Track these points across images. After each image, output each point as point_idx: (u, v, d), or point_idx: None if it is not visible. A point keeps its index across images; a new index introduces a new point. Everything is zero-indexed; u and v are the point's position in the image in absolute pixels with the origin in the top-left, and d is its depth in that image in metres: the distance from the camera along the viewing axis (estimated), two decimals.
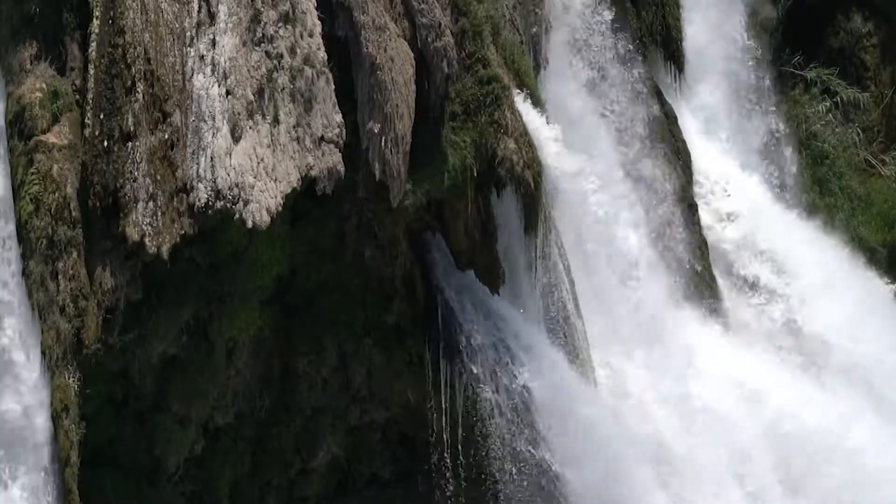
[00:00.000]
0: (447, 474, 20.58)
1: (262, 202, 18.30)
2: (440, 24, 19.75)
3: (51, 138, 18.37)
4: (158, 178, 18.14)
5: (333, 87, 19.10)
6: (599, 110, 23.72)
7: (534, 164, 20.41)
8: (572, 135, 21.65)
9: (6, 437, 18.16)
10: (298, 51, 18.91)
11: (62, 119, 18.50)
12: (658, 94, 25.30)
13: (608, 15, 24.17)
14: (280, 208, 18.48)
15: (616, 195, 23.09)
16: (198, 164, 18.20)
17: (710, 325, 24.71)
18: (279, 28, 18.86)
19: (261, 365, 20.19)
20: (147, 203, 18.03)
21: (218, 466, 19.84)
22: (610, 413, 21.44)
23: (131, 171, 18.08)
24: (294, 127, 18.80)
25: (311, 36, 19.05)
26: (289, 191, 18.59)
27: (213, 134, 18.27)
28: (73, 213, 18.24)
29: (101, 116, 18.21)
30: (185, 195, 18.17)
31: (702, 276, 25.05)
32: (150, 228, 17.99)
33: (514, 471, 20.48)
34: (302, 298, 20.20)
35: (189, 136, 18.30)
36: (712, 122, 26.97)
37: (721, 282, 25.66)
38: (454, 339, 20.50)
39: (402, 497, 21.17)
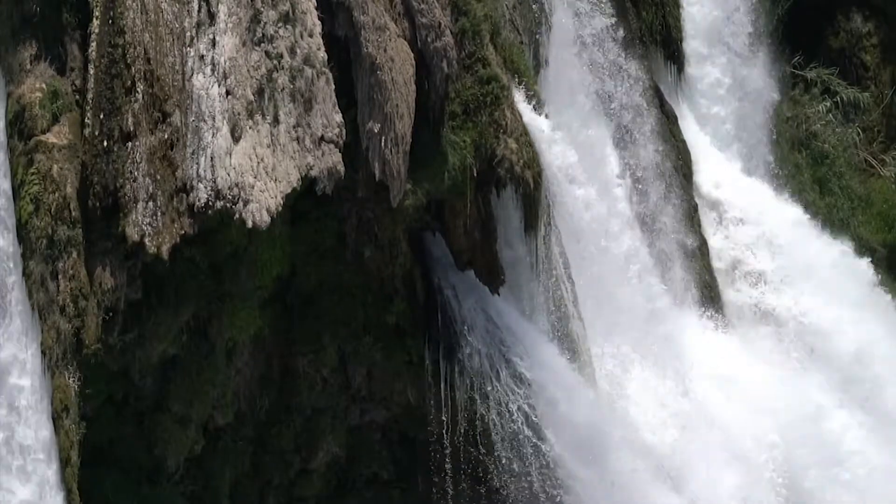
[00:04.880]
0: (447, 474, 20.59)
1: (262, 202, 18.29)
2: (440, 24, 19.75)
3: (51, 138, 18.36)
4: (158, 178, 18.13)
5: (333, 87, 19.10)
6: (599, 110, 23.73)
7: (534, 163, 20.42)
8: (572, 134, 21.66)
9: None
10: (298, 51, 18.91)
11: (62, 119, 18.48)
12: (658, 95, 25.31)
13: (608, 15, 24.17)
14: (280, 208, 18.47)
15: (615, 195, 23.11)
16: (198, 164, 18.20)
17: (709, 324, 24.74)
18: (279, 28, 18.85)
19: (261, 365, 20.20)
20: (147, 203, 18.03)
21: (218, 466, 19.84)
22: (610, 412, 21.45)
23: (131, 171, 18.08)
24: (294, 127, 18.80)
25: (311, 36, 19.05)
26: (289, 191, 18.59)
27: (213, 134, 18.26)
28: (73, 213, 18.22)
29: (101, 116, 18.21)
30: (185, 195, 18.17)
31: (701, 275, 25.06)
32: (150, 228, 17.98)
33: (515, 470, 20.49)
34: (302, 298, 20.21)
35: (189, 136, 18.29)
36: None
37: (721, 281, 25.68)
38: (454, 339, 20.51)
39: (402, 497, 21.18)
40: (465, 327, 20.55)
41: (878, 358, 24.81)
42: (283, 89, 18.77)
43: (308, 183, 18.85)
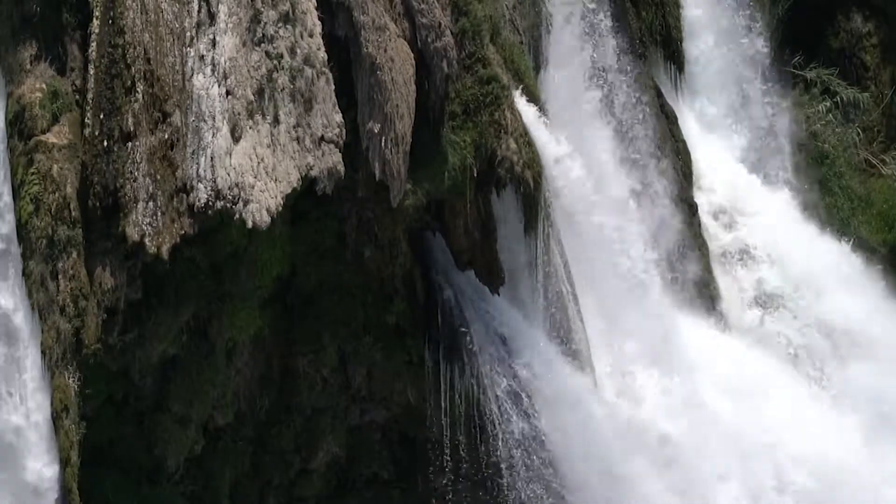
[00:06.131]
0: (447, 474, 20.59)
1: (263, 202, 18.30)
2: (440, 24, 19.75)
3: (51, 138, 18.37)
4: (158, 178, 18.14)
5: (333, 87, 19.10)
6: (598, 109, 23.73)
7: (534, 163, 20.42)
8: (572, 135, 21.65)
9: None
10: (298, 51, 18.91)
11: (62, 119, 18.50)
12: (658, 94, 25.31)
13: (608, 15, 24.18)
14: (280, 208, 18.47)
15: (615, 195, 23.10)
16: (198, 164, 18.20)
17: (708, 325, 24.74)
18: (279, 28, 18.86)
19: (261, 365, 20.20)
20: (147, 203, 18.04)
21: (218, 466, 19.85)
22: (610, 412, 21.45)
23: (131, 171, 18.09)
24: (294, 127, 18.80)
25: (311, 36, 19.05)
26: (289, 191, 18.59)
27: (213, 134, 18.27)
28: (73, 213, 18.24)
29: (101, 116, 18.22)
30: (185, 195, 18.17)
31: (701, 275, 25.06)
32: (150, 228, 17.99)
33: (514, 470, 20.48)
34: (302, 298, 20.21)
35: (189, 136, 18.30)
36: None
37: (721, 282, 25.68)
38: (454, 339, 20.50)
39: (402, 497, 21.17)
40: (465, 327, 20.55)
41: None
42: (283, 89, 18.77)
43: (308, 183, 18.85)
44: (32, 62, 18.71)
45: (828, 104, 27.70)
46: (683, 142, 25.60)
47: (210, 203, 18.11)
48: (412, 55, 19.60)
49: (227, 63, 18.48)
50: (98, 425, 18.61)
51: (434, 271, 20.80)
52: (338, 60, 19.34)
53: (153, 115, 18.31)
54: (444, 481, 20.60)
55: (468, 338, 20.49)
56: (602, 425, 21.09)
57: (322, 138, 18.92)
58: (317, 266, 20.14)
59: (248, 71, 18.61)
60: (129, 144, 18.15)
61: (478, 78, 20.19)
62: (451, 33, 19.93)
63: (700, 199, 25.89)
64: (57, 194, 18.22)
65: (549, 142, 20.92)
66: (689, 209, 25.29)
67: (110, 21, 18.29)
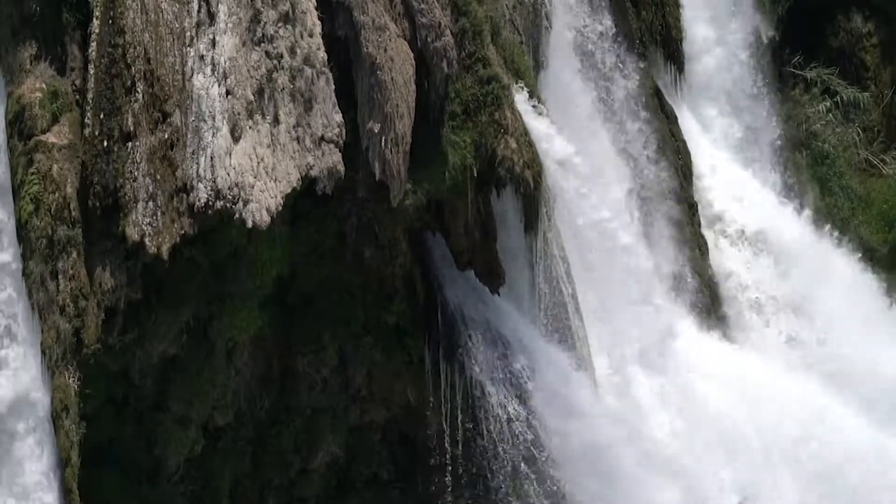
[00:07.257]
0: (447, 474, 20.59)
1: (262, 202, 18.29)
2: (440, 24, 19.75)
3: (51, 138, 18.38)
4: (158, 177, 18.14)
5: (333, 87, 19.10)
6: (598, 109, 23.74)
7: (534, 163, 20.43)
8: (572, 134, 21.65)
9: None
10: (298, 51, 18.91)
11: (62, 119, 18.50)
12: (658, 94, 25.32)
13: (608, 15, 24.19)
14: (280, 208, 18.47)
15: (614, 195, 23.11)
16: (198, 163, 18.20)
17: (708, 325, 24.76)
18: (279, 28, 18.86)
19: (261, 365, 20.20)
20: (147, 203, 18.04)
21: (218, 466, 19.84)
22: (610, 413, 21.45)
23: (131, 171, 18.09)
24: (294, 127, 18.80)
25: (311, 36, 19.05)
26: (289, 191, 18.59)
27: (213, 134, 18.27)
28: (73, 213, 18.24)
29: (101, 116, 18.22)
30: (185, 195, 18.17)
31: (701, 275, 25.07)
32: (150, 228, 17.99)
33: (514, 470, 20.49)
34: (302, 298, 20.21)
35: (189, 136, 18.30)
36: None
37: (720, 282, 25.69)
38: (454, 339, 20.50)
39: (402, 497, 21.17)
40: (465, 327, 20.55)
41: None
42: (283, 89, 18.77)
43: (308, 183, 18.85)
44: (32, 62, 18.71)
45: (828, 104, 27.76)
46: (683, 142, 25.62)
47: (210, 203, 18.11)
48: (412, 55, 19.59)
49: (227, 63, 18.49)
50: (98, 425, 18.61)
51: (434, 271, 20.80)
52: (338, 60, 19.34)
53: (153, 115, 18.31)
54: (444, 481, 20.60)
55: (468, 338, 20.49)
56: (601, 425, 21.09)
57: (322, 138, 18.91)
58: (317, 266, 20.14)
59: (248, 71, 18.62)
60: (129, 144, 18.16)
61: (478, 78, 20.19)
62: (451, 33, 19.93)
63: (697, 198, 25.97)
64: (57, 194, 18.23)
65: (553, 141, 20.93)
66: (689, 209, 25.30)
67: (110, 21, 18.30)
